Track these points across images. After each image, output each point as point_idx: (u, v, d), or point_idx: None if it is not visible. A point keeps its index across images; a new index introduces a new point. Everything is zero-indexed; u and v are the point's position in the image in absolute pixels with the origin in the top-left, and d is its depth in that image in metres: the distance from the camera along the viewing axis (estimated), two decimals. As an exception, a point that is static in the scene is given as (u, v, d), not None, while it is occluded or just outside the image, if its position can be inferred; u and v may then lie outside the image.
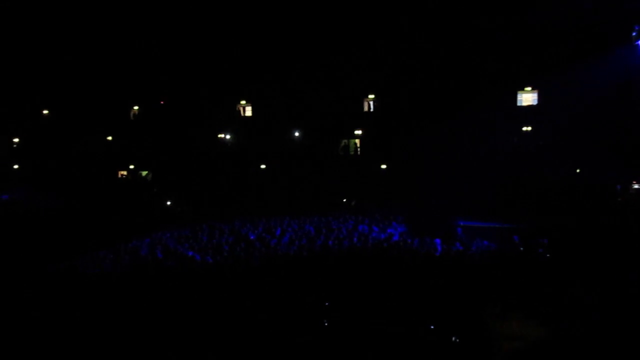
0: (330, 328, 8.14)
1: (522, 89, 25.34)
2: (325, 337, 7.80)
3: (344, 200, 26.09)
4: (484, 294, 8.96)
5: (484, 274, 10.67)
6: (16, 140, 32.58)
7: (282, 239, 17.33)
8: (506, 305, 8.21)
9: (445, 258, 13.42)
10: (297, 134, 28.54)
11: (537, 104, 25.16)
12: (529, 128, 25.15)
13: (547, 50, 22.77)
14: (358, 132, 28.60)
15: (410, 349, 6.77)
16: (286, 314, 8.55)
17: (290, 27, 26.35)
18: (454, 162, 24.18)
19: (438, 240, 16.36)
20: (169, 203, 27.18)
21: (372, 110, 28.61)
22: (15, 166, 31.94)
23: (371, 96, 28.33)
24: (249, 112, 30.61)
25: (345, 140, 28.99)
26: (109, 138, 31.61)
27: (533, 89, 25.15)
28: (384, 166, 27.59)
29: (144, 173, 31.83)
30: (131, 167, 31.62)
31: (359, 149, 28.94)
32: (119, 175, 31.93)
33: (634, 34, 15.07)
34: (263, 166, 29.47)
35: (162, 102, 30.82)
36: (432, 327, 7.12)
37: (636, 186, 19.95)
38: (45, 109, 31.96)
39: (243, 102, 30.35)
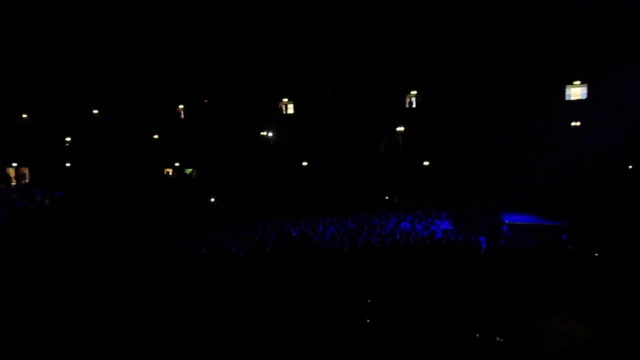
0: (373, 325, 8.13)
1: (571, 83, 24.61)
2: (368, 335, 7.81)
3: (386, 197, 25.95)
4: (529, 292, 8.78)
5: (529, 273, 10.45)
6: (68, 139, 33.90)
7: (325, 236, 17.39)
8: (553, 305, 8.03)
9: (490, 256, 13.17)
10: (338, 131, 28.53)
11: (587, 98, 24.40)
12: (578, 123, 24.42)
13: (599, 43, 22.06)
14: (400, 128, 28.35)
15: (452, 348, 6.71)
16: (328, 311, 8.60)
17: (331, 23, 26.38)
18: (500, 159, 23.75)
19: (482, 238, 16.10)
20: (212, 200, 27.69)
21: (414, 106, 28.34)
22: (68, 164, 33.24)
23: (413, 92, 28.06)
24: (290, 109, 30.86)
25: (387, 137, 28.81)
26: (156, 136, 32.51)
27: (582, 82, 24.39)
28: (426, 163, 27.30)
29: (189, 171, 32.57)
30: (176, 164, 32.43)
31: (401, 146, 28.70)
32: (165, 173, 32.79)
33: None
34: (305, 163, 29.66)
35: (205, 101, 31.45)
36: (475, 329, 7.03)
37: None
38: (95, 109, 33.10)
39: (285, 99, 30.62)
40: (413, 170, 26.95)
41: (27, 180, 34.20)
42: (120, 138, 31.94)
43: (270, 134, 30.73)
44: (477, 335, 6.75)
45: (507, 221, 19.37)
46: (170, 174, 32.94)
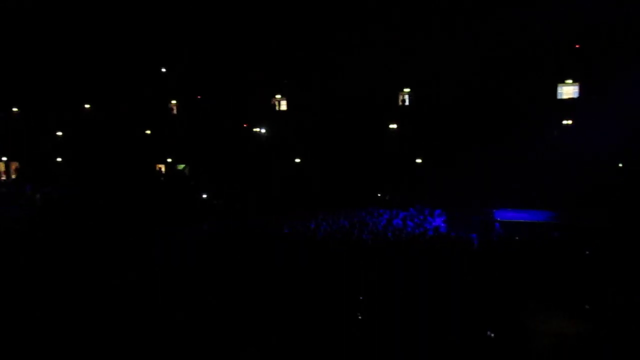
0: (364, 322, 8.14)
1: (563, 82, 24.71)
2: (360, 331, 7.81)
3: (379, 194, 25.93)
4: (520, 289, 8.81)
5: (520, 269, 10.49)
6: (59, 133, 33.62)
7: (317, 233, 17.37)
8: (544, 301, 8.07)
9: (482, 252, 13.21)
10: (330, 128, 28.45)
11: (579, 97, 24.53)
12: (570, 121, 24.55)
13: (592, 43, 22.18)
14: (393, 126, 28.33)
15: (444, 342, 6.73)
16: (321, 307, 8.59)
17: (325, 21, 26.32)
18: (493, 156, 23.84)
19: (474, 235, 16.16)
20: (205, 196, 27.54)
21: (407, 104, 28.32)
22: (59, 159, 32.98)
23: (406, 90, 28.04)
24: (284, 106, 30.79)
25: (380, 135, 28.76)
26: (148, 132, 32.33)
27: (574, 81, 24.50)
28: (419, 160, 27.33)
29: (181, 166, 32.41)
30: (169, 160, 32.26)
31: (393, 143, 28.65)
32: (157, 168, 32.60)
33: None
34: (297, 160, 29.61)
35: (198, 97, 31.30)
36: (467, 324, 7.05)
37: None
38: (87, 104, 32.84)
39: (278, 96, 30.53)
40: (406, 167, 26.97)
41: (14, 176, 33.98)
42: (112, 133, 31.70)
43: (263, 130, 30.63)
44: (469, 330, 6.78)
45: (499, 218, 19.45)
46: (163, 170, 32.75)
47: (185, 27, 28.24)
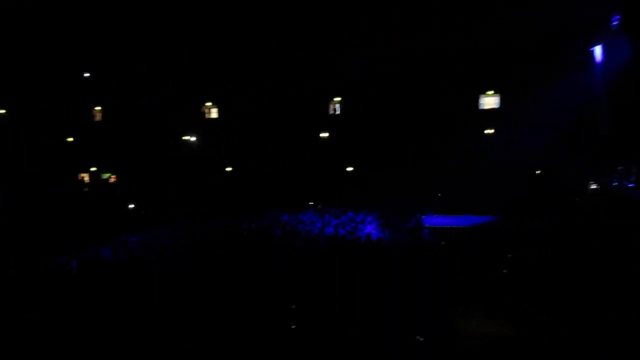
0: (298, 332, 8.09)
1: (484, 93, 25.87)
2: (293, 342, 7.76)
3: (310, 203, 26.05)
4: (449, 293, 9.09)
5: (447, 274, 10.83)
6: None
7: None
8: (470, 304, 8.37)
9: (409, 257, 13.52)
10: (262, 136, 28.31)
11: (500, 107, 25.77)
12: (492, 130, 25.73)
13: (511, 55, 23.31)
14: (325, 134, 28.62)
15: (374, 349, 6.81)
16: (250, 318, 8.47)
17: (254, 27, 26.17)
18: (420, 164, 24.58)
19: (403, 240, 16.58)
20: (132, 206, 26.62)
21: (338, 113, 28.69)
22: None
23: (337, 99, 28.42)
24: (214, 114, 30.33)
25: (311, 143, 28.95)
26: (70, 139, 30.83)
27: (495, 92, 25.72)
28: (350, 169, 27.75)
29: (106, 175, 31.14)
30: (93, 169, 30.89)
31: (325, 152, 28.91)
32: (80, 178, 31.12)
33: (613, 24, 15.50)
34: (229, 169, 29.29)
35: (123, 103, 30.17)
36: (396, 329, 7.18)
37: (593, 186, 20.59)
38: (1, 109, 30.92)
39: (208, 103, 30.05)
40: (338, 176, 27.30)
41: None
42: (29, 140, 29.91)
43: (193, 139, 30.02)
44: (398, 335, 6.91)
45: (427, 224, 20.04)
46: (86, 179, 31.30)
47: (109, 29, 27.10)
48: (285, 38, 26.10)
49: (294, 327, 8.21)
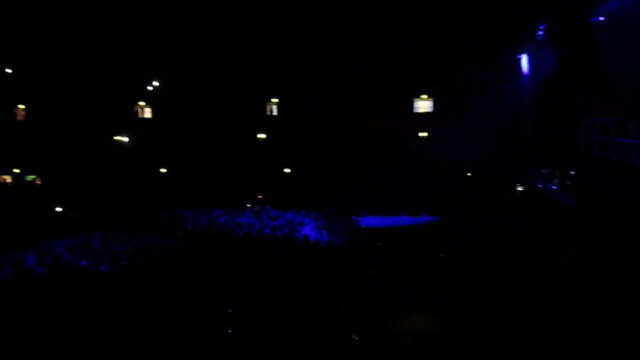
0: (236, 335, 7.96)
1: (419, 97, 26.55)
2: (231, 346, 7.63)
3: (248, 205, 25.79)
4: (383, 293, 9.22)
5: (383, 274, 11.00)
6: None
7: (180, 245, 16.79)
8: (406, 304, 8.52)
9: (345, 258, 13.65)
10: (198, 137, 27.74)
11: (433, 111, 26.52)
12: (426, 133, 26.45)
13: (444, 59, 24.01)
14: (262, 136, 28.45)
15: (308, 349, 6.80)
16: (187, 324, 8.26)
17: (191, 27, 25.63)
18: (362, 167, 24.91)
19: (340, 241, 16.76)
20: (60, 210, 25.34)
21: (275, 114, 28.60)
22: None
23: (274, 100, 28.33)
24: (148, 114, 29.45)
25: (248, 144, 28.71)
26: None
27: (428, 96, 26.45)
28: (287, 170, 27.72)
29: (31, 178, 29.48)
30: (16, 171, 29.16)
31: (262, 153, 28.74)
32: (1, 180, 29.31)
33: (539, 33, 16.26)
34: (163, 170, 28.54)
35: (51, 101, 28.70)
36: (332, 329, 7.21)
37: (520, 188, 21.58)
38: None
39: (142, 103, 29.15)
40: (276, 177, 27.23)
41: None
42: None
43: (126, 139, 29.00)
44: (335, 334, 6.93)
45: (364, 225, 20.33)
46: (8, 181, 29.50)
47: (31, 22, 25.64)
48: (221, 37, 25.73)
49: (230, 331, 8.07)
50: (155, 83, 28.42)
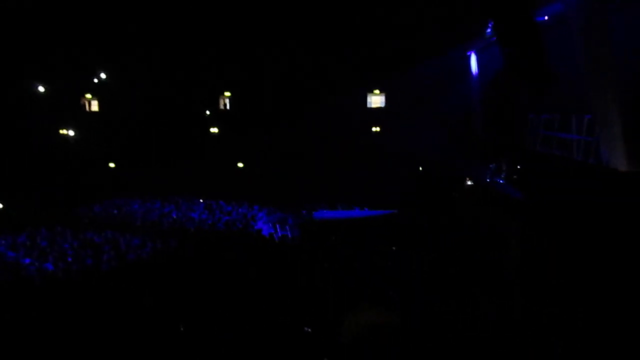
0: (188, 333, 7.85)
1: (372, 92, 26.80)
2: (183, 342, 7.51)
3: (201, 200, 25.44)
4: (336, 285, 9.30)
5: (334, 267, 11.09)
6: None
7: (132, 242, 16.39)
8: (359, 295, 8.61)
9: (297, 252, 13.70)
10: (148, 130, 27.05)
11: (385, 106, 26.84)
12: (378, 128, 26.74)
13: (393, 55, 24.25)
14: (214, 130, 28.07)
15: (264, 343, 6.80)
16: (137, 322, 8.09)
17: (141, 17, 24.95)
18: (314, 161, 24.93)
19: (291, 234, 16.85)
20: (1, 206, 24.22)
21: (228, 108, 28.27)
22: None
23: (227, 93, 27.98)
24: (95, 107, 28.52)
25: (201, 138, 28.28)
26: None
27: (380, 92, 26.74)
28: (241, 165, 27.49)
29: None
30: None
31: (215, 147, 28.35)
32: None
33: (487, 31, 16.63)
34: (112, 165, 27.78)
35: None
36: (285, 322, 7.22)
37: (469, 182, 22.10)
38: None
39: (88, 95, 28.20)
40: (228, 171, 26.96)
41: None
42: None
43: (71, 132, 28.00)
44: (287, 327, 6.96)
45: (318, 219, 20.40)
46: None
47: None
48: (173, 31, 25.21)
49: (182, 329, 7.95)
50: (103, 75, 27.51)
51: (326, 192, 23.59)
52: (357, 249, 13.55)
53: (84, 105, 28.32)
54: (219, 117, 28.02)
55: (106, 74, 27.41)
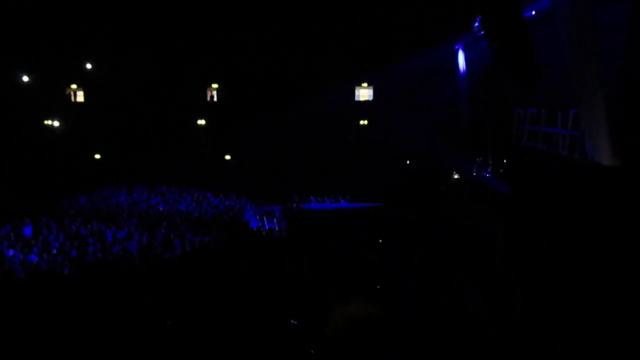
0: (175, 324, 7.82)
1: (359, 85, 26.81)
2: (169, 334, 7.49)
3: (188, 193, 25.33)
4: (322, 278, 9.32)
5: (323, 259, 11.12)
6: None
7: (118, 234, 16.27)
8: (344, 288, 8.65)
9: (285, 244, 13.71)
10: (134, 122, 26.81)
11: (373, 99, 26.87)
12: (366, 121, 26.79)
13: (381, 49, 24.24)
14: (201, 122, 27.92)
15: (250, 332, 6.82)
16: (125, 316, 8.06)
17: (127, 7, 24.67)
18: (302, 154, 24.93)
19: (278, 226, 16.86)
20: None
21: (215, 100, 28.13)
22: None
23: (215, 85, 27.82)
24: (80, 97, 28.20)
25: (188, 131, 28.13)
26: None
27: (368, 85, 26.75)
28: (228, 157, 27.41)
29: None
30: None
31: (203, 139, 28.22)
32: None
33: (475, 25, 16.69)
34: (97, 156, 27.55)
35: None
36: (271, 314, 7.24)
37: (456, 176, 22.24)
38: None
39: (74, 86, 27.87)
40: (217, 164, 26.93)
41: None
42: None
43: (57, 123, 27.69)
44: (274, 319, 6.98)
45: (306, 212, 20.47)
46: None
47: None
48: (161, 22, 24.99)
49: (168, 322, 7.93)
50: (89, 65, 27.19)
51: (314, 184, 23.62)
52: (344, 242, 13.59)
53: (69, 96, 27.99)
54: (206, 109, 27.88)
55: (92, 65, 27.07)
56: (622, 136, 8.30)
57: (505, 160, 16.60)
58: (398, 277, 10.06)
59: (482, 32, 14.71)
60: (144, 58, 25.89)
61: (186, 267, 11.68)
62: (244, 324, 7.09)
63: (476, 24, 15.99)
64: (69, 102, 27.99)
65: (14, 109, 26.07)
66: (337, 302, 7.10)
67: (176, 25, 25.16)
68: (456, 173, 21.91)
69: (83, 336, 7.24)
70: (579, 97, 9.06)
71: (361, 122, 26.96)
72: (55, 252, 14.11)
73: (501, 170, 16.51)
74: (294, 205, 21.58)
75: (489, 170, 17.44)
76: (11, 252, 13.96)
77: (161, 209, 21.62)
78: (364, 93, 26.98)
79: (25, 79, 26.50)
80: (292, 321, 6.92)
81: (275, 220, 19.32)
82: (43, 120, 27.48)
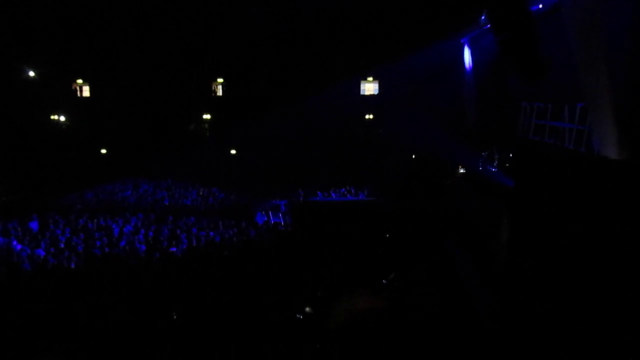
0: (184, 319, 7.86)
1: (365, 79, 26.72)
2: (177, 330, 7.53)
3: (193, 187, 25.40)
4: (327, 271, 9.34)
5: (324, 252, 11.13)
6: None
7: (124, 228, 16.36)
8: (349, 281, 8.67)
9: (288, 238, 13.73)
10: (140, 118, 26.88)
11: (378, 93, 26.78)
12: (372, 116, 26.73)
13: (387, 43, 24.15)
14: (207, 116, 27.95)
15: (258, 327, 6.84)
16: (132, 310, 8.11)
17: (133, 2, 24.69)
18: (304, 148, 24.92)
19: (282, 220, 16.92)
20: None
21: (221, 94, 28.12)
22: None
23: (220, 80, 27.81)
24: (86, 92, 28.27)
25: (193, 126, 28.18)
26: None
27: (374, 79, 26.66)
28: (233, 151, 27.43)
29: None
30: None
31: (209, 133, 28.28)
32: None
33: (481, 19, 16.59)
34: (103, 151, 27.65)
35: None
36: (277, 308, 7.27)
37: (462, 170, 22.19)
38: None
39: (79, 81, 27.94)
40: (220, 158, 26.96)
41: None
42: None
43: (62, 118, 27.80)
44: (279, 313, 7.01)
45: (311, 206, 20.47)
46: None
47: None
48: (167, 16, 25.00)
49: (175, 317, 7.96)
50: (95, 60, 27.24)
51: (319, 178, 23.61)
52: (348, 236, 13.59)
53: (76, 91, 28.07)
54: (212, 103, 27.89)
55: (98, 60, 27.13)
56: (629, 130, 8.24)
57: (511, 154, 16.54)
58: (401, 270, 10.07)
59: (489, 26, 14.63)
60: (149, 53, 25.90)
61: (192, 262, 11.74)
62: (250, 318, 7.12)
63: (482, 17, 15.90)
64: (75, 97, 28.05)
65: (20, 104, 26.20)
66: (340, 295, 7.12)
67: (182, 20, 25.14)
68: (462, 167, 21.87)
69: (90, 329, 7.29)
70: (585, 90, 9.00)
71: (367, 116, 26.89)
72: (62, 246, 14.19)
73: (507, 164, 16.46)
74: (300, 199, 21.60)
75: (495, 164, 17.38)
76: (19, 247, 14.07)
77: (167, 203, 21.70)
78: (369, 87, 26.89)
79: (32, 74, 26.56)
80: (297, 315, 6.94)
81: (280, 214, 19.37)
82: (49, 115, 27.58)
